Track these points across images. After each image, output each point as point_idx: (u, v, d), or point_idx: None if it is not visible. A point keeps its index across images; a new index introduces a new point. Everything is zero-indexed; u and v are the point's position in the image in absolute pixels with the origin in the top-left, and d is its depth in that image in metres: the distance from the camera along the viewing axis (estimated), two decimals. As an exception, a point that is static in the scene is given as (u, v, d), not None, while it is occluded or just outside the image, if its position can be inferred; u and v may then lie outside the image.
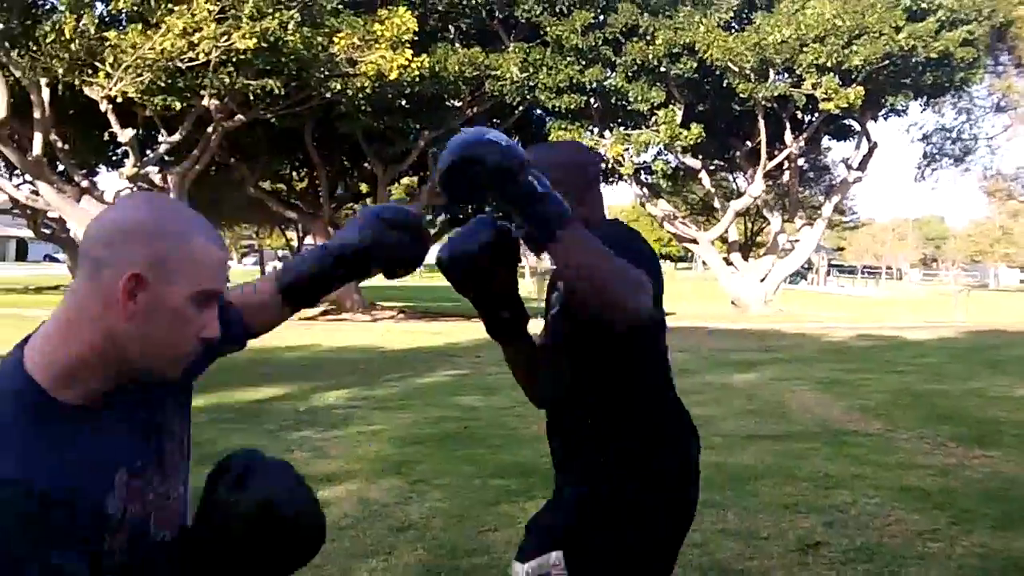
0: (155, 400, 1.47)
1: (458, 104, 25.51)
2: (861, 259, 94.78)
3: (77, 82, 18.13)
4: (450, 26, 25.18)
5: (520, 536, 4.83)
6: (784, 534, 4.92)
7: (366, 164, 28.73)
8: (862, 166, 28.93)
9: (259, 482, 1.42)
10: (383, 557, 4.67)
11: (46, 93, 19.55)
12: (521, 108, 25.72)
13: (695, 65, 23.78)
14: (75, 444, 1.32)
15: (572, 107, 24.29)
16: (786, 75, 24.38)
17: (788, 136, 26.93)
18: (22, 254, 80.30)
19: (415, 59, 20.56)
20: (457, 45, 24.19)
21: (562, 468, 2.36)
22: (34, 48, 17.77)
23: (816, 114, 25.69)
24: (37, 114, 19.64)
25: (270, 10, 18.04)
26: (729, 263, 29.71)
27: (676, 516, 2.19)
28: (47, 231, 38.60)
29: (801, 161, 29.74)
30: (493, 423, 8.31)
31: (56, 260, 52.78)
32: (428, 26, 24.30)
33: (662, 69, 24.22)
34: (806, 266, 65.71)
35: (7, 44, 18.38)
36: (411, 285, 59.83)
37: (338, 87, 20.07)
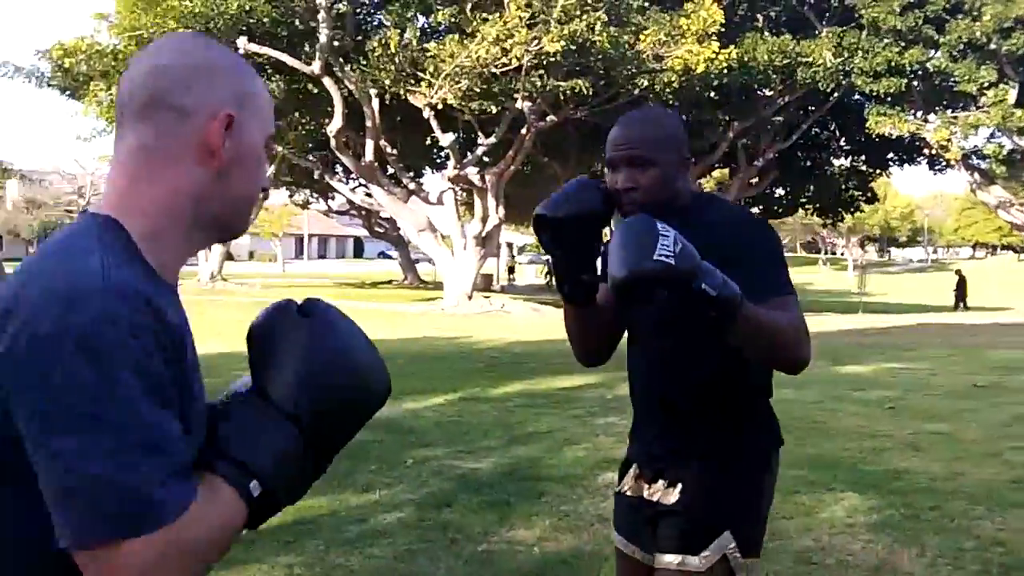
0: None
1: (768, 93, 25.08)
2: None
3: (402, 92, 19.62)
4: (759, 15, 24.79)
5: (814, 524, 4.87)
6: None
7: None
8: None
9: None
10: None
11: (375, 103, 21.26)
12: (836, 94, 24.87)
13: (1030, 39, 21.99)
14: (170, 303, 1.17)
15: (891, 91, 23.18)
16: None
17: None
18: (359, 251, 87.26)
19: (722, 51, 20.47)
20: (766, 34, 23.78)
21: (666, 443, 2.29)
22: (364, 62, 19.44)
23: None
24: (368, 123, 21.45)
25: (578, 12, 18.60)
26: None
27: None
28: (380, 230, 41.85)
29: None
30: (801, 416, 8.21)
31: (389, 257, 56.90)
32: (736, 16, 24.09)
33: (991, 46, 22.56)
34: None
35: (341, 60, 20.19)
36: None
37: (645, 83, 20.36)
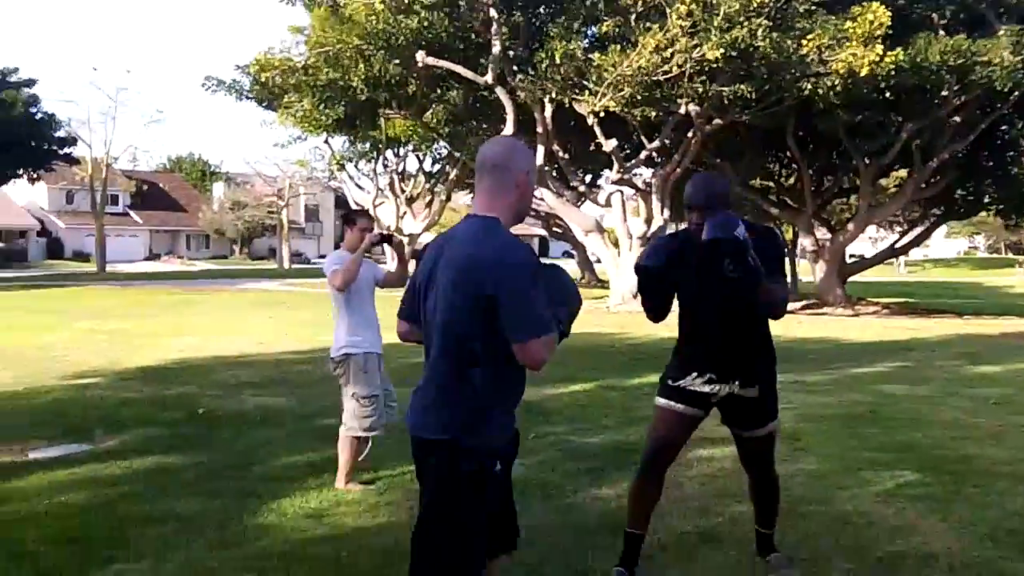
0: None
1: (944, 93, 24.67)
2: None
3: (567, 100, 20.62)
4: (932, 15, 24.43)
5: (862, 495, 5.61)
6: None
7: (852, 160, 28.63)
8: None
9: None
10: (736, 498, 5.60)
11: (548, 110, 22.37)
12: (1016, 93, 24.22)
13: None
14: None
15: (1078, 87, 22.44)
16: None
17: None
18: (544, 250, 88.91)
19: (889, 53, 20.43)
20: (941, 33, 23.44)
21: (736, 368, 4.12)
22: (532, 72, 20.56)
23: None
24: (539, 128, 22.57)
25: (741, 19, 19.05)
26: None
27: None
28: (558, 231, 43.00)
29: None
30: (903, 409, 8.77)
31: (571, 256, 58.16)
32: (911, 16, 23.87)
33: None
34: None
35: (515, 69, 21.41)
36: (912, 281, 57.46)
37: (809, 87, 20.56)
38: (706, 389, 4.10)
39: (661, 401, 4.23)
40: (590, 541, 4.83)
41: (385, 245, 6.29)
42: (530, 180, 2.98)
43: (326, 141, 38.18)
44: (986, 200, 30.50)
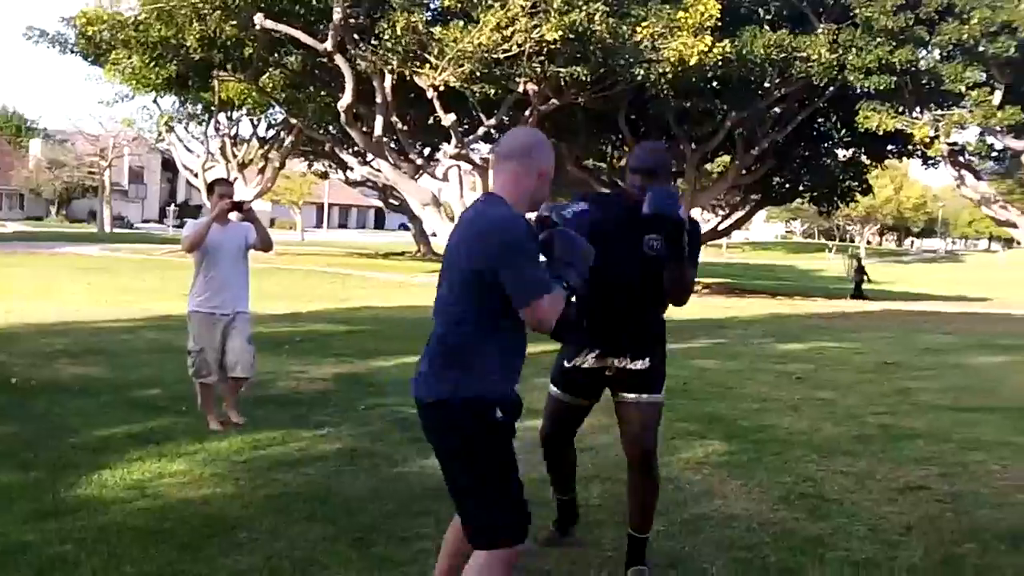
0: None
1: (766, 85, 25.91)
2: None
3: (407, 72, 20.63)
4: (759, 10, 25.59)
5: (672, 462, 5.95)
6: (896, 479, 5.71)
7: (680, 144, 29.71)
8: None
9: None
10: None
11: (388, 81, 22.29)
12: (831, 89, 25.69)
13: (1014, 44, 22.77)
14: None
15: (882, 87, 23.99)
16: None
17: None
18: (380, 222, 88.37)
19: (717, 44, 21.28)
20: (765, 28, 24.57)
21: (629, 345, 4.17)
22: (374, 42, 20.46)
23: None
24: (379, 99, 22.49)
25: (579, 3, 19.48)
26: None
27: None
28: (395, 203, 42.88)
29: None
30: (713, 382, 9.35)
31: (407, 228, 58.01)
32: (740, 10, 24.91)
33: (979, 48, 23.38)
34: None
35: (355, 38, 21.23)
36: (733, 262, 60.07)
37: (641, 73, 21.22)
38: (597, 365, 4.13)
39: (553, 391, 4.34)
40: (415, 507, 4.99)
41: (235, 212, 6.70)
42: (548, 176, 3.20)
43: (155, 100, 36.87)
44: (801, 188, 32.24)
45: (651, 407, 4.17)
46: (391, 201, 43.07)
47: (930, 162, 28.17)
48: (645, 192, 3.81)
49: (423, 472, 5.77)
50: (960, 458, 6.24)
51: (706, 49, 20.88)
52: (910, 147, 28.23)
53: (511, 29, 19.23)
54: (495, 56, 19.75)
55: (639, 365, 4.12)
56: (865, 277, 32.72)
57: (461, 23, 19.63)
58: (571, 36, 19.62)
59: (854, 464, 6.10)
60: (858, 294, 31.00)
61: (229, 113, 36.72)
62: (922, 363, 11.14)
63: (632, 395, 4.15)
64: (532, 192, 3.17)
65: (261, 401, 7.65)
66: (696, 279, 4.24)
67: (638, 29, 20.93)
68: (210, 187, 6.93)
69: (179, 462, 5.80)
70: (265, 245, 6.91)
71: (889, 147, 30.01)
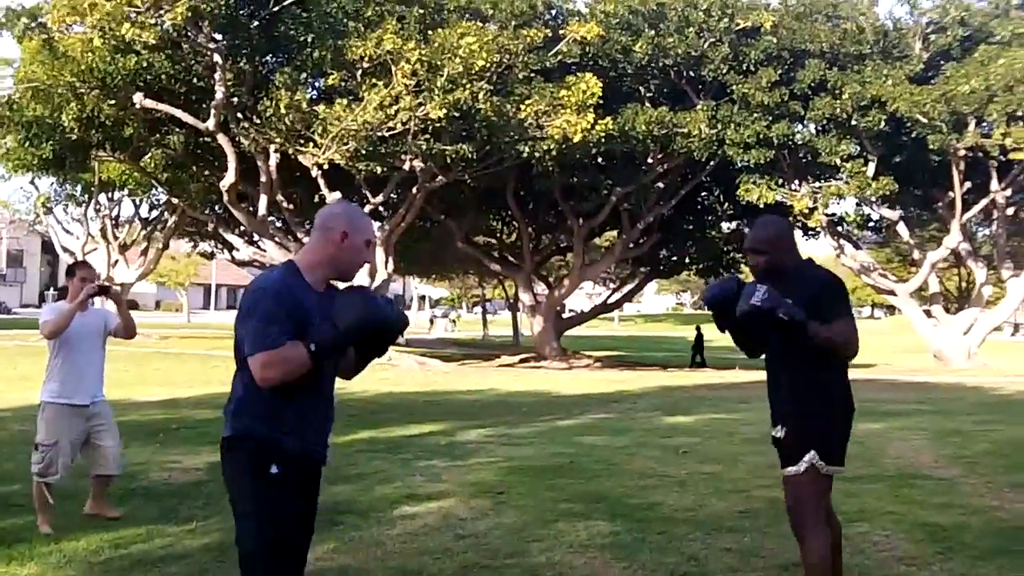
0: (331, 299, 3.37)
1: (649, 161, 26.49)
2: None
3: (291, 151, 20.44)
4: (640, 88, 26.25)
5: (555, 545, 5.76)
6: (780, 554, 5.62)
7: (568, 220, 30.07)
8: (1076, 215, 27.71)
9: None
10: (437, 556, 5.71)
11: (272, 160, 22.03)
12: (712, 163, 26.38)
13: (884, 118, 23.78)
14: (307, 293, 3.29)
15: (760, 161, 24.73)
16: (981, 125, 23.96)
17: (994, 185, 26.25)
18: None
19: (600, 121, 21.70)
20: (647, 105, 25.19)
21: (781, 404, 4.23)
22: (257, 120, 20.25)
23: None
24: (263, 178, 22.20)
25: (464, 82, 19.66)
26: (930, 315, 29.03)
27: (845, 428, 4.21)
28: (284, 283, 42.09)
29: (1011, 210, 28.66)
30: (600, 459, 9.22)
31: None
32: (622, 88, 25.49)
33: (852, 122, 24.35)
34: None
35: (239, 116, 20.98)
36: (625, 334, 60.75)
37: (526, 150, 21.46)
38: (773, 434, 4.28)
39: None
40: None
41: (101, 296, 6.46)
42: (350, 240, 3.35)
43: (32, 181, 35.80)
44: (687, 260, 32.89)
45: (787, 482, 4.14)
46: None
47: (810, 233, 29.05)
48: (760, 271, 4.15)
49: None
50: (845, 530, 6.15)
51: (589, 126, 21.26)
52: (791, 219, 29.04)
53: (395, 107, 19.26)
54: (380, 134, 19.73)
55: (778, 433, 4.19)
56: (702, 347, 32.89)
57: (345, 101, 19.56)
58: (456, 114, 19.74)
59: (739, 540, 6.00)
60: (700, 363, 31.23)
61: (110, 194, 35.83)
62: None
63: (783, 470, 4.19)
64: (336, 256, 3.36)
65: (129, 494, 7.24)
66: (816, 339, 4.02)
67: (522, 107, 21.19)
68: (70, 270, 6.55)
69: (30, 565, 5.41)
70: (128, 332, 6.60)
71: (770, 219, 30.85)
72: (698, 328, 34.82)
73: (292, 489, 3.32)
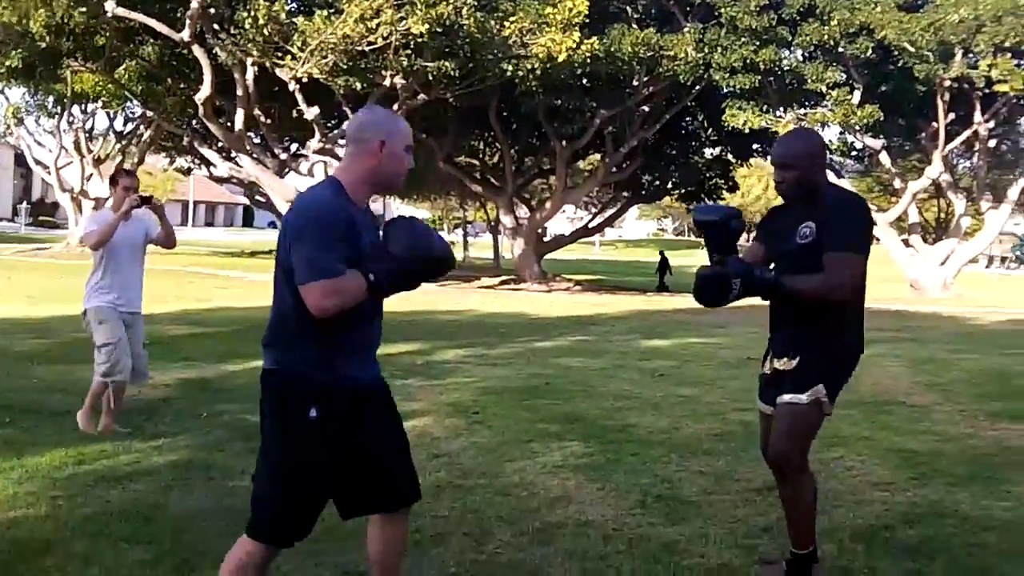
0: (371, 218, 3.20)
1: (635, 83, 26.11)
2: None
3: (269, 64, 19.98)
4: (627, 8, 25.76)
5: (529, 467, 5.69)
6: (755, 478, 5.57)
7: (551, 142, 29.71)
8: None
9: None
10: (408, 474, 5.63)
11: (250, 73, 21.54)
12: (697, 88, 26.04)
13: (872, 46, 23.49)
14: (356, 214, 3.05)
15: (747, 87, 24.44)
16: (967, 56, 23.72)
17: (977, 116, 26.11)
18: (248, 220, 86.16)
19: (585, 41, 21.30)
20: (634, 26, 24.74)
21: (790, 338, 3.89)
22: (234, 31, 19.73)
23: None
24: (240, 92, 21.73)
25: (447, -5, 19.15)
26: (908, 245, 29.06)
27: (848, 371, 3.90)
28: (262, 199, 41.75)
29: (993, 143, 28.54)
30: (577, 381, 9.17)
31: (276, 226, 56.60)
32: (609, 8, 25.02)
33: (840, 49, 24.03)
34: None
35: (215, 27, 20.44)
36: (606, 259, 60.76)
37: (510, 69, 21.06)
38: (766, 369, 4.04)
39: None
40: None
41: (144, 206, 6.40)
42: (389, 148, 3.06)
43: (1, 91, 35.01)
44: (670, 186, 32.68)
45: (785, 408, 3.78)
46: (257, 198, 41.90)
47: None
48: (788, 189, 3.75)
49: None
50: (819, 455, 6.10)
51: (574, 46, 20.87)
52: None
53: (376, 21, 18.79)
54: (360, 48, 19.30)
55: (782, 365, 3.87)
56: (668, 271, 33.09)
57: (325, 13, 19.08)
58: (438, 30, 19.31)
59: (713, 463, 5.95)
60: (662, 287, 31.34)
61: (83, 106, 35.13)
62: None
63: (779, 397, 3.83)
64: (376, 169, 3.08)
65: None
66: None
67: (506, 24, 20.76)
68: (112, 178, 6.56)
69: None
70: (169, 241, 6.71)
71: (755, 145, 30.70)
72: (662, 252, 34.91)
73: (334, 427, 3.07)
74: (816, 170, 3.76)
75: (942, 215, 37.72)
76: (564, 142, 28.29)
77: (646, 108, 27.59)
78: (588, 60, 21.86)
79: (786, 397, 3.75)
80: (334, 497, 3.22)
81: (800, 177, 3.71)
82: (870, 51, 23.71)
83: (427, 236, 3.10)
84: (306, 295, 2.94)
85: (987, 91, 24.42)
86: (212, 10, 20.78)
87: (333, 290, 2.92)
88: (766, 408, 3.96)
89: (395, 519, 3.32)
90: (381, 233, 3.13)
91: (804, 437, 3.82)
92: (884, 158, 28.87)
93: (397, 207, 73.31)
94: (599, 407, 7.81)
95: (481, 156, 35.41)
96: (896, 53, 23.72)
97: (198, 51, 20.92)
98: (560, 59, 20.79)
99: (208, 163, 35.46)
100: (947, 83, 24.14)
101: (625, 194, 34.79)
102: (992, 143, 28.20)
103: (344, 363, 3.09)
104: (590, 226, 37.14)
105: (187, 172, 44.07)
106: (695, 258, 59.82)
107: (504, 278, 30.55)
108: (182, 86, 25.23)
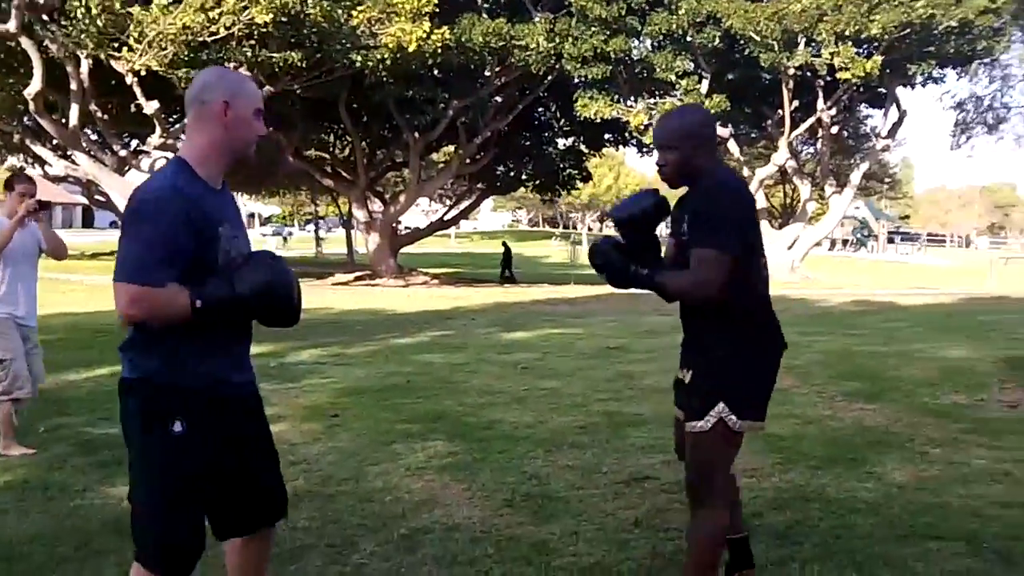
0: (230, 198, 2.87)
1: (487, 74, 26.02)
2: (926, 226, 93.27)
3: (104, 56, 19.01)
4: (478, -2, 25.65)
5: (392, 469, 5.45)
6: (622, 470, 5.49)
7: (404, 134, 29.33)
8: (891, 134, 28.96)
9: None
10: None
11: (84, 66, 20.46)
12: (549, 78, 26.13)
13: (719, 35, 24.03)
14: (205, 196, 2.68)
15: (598, 76, 24.66)
16: (811, 45, 24.54)
17: (820, 104, 27.07)
18: (88, 221, 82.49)
19: (436, 31, 21.06)
20: (484, 16, 24.63)
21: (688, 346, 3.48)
22: (65, 23, 18.68)
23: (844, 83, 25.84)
24: (74, 86, 20.63)
25: (292, -16, 18.62)
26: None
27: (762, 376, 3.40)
28: (101, 199, 39.94)
29: (835, 129, 29.69)
30: (438, 378, 8.96)
31: (117, 226, 54.41)
32: (459, -3, 24.81)
33: (688, 39, 24.50)
34: (866, 234, 65.09)
35: (44, 18, 19.32)
36: (462, 252, 60.68)
37: (359, 59, 20.65)
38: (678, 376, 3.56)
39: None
40: (94, 545, 4.30)
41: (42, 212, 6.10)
42: (235, 111, 2.70)
43: None
44: (524, 177, 32.79)
45: (689, 438, 3.34)
46: (97, 197, 40.01)
47: (645, 150, 29.35)
48: (669, 173, 3.32)
49: (106, 503, 5.01)
50: (680, 442, 6.12)
51: (424, 35, 20.62)
52: (626, 135, 29.27)
53: (218, 10, 18.11)
54: (201, 39, 18.54)
55: (684, 376, 3.45)
56: (510, 263, 33.53)
57: (163, 2, 18.24)
58: (283, 19, 18.76)
59: (580, 456, 5.85)
60: (509, 278, 31.70)
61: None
62: (643, 346, 11.25)
63: (686, 421, 3.38)
64: (223, 137, 2.72)
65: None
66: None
67: (354, 13, 20.35)
68: (8, 183, 6.07)
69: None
70: (59, 252, 6.31)
71: (606, 135, 31.06)
72: (504, 244, 35.14)
73: (203, 440, 2.73)
74: (698, 153, 3.29)
75: (788, 200, 39.04)
76: (417, 134, 27.99)
77: (499, 99, 27.56)
78: (439, 50, 21.63)
79: (688, 425, 3.33)
80: (208, 515, 2.86)
81: (679, 160, 3.30)
82: (717, 40, 24.27)
83: (286, 288, 2.76)
84: (115, 295, 2.59)
85: (829, 79, 25.32)
86: (41, 0, 19.63)
87: (142, 298, 2.58)
88: (679, 412, 3.56)
89: (262, 534, 3.02)
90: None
91: (709, 466, 3.32)
92: (732, 146, 29.64)
93: (245, 203, 71.40)
94: (462, 404, 7.63)
95: (331, 149, 34.76)
96: (742, 42, 24.36)
97: (27, 43, 19.72)
98: (410, 49, 20.51)
99: (42, 162, 33.65)
100: (791, 71, 24.91)
101: (480, 186, 34.73)
102: (835, 130, 29.29)
103: (210, 364, 2.75)
104: (445, 219, 36.93)
105: (20, 171, 41.75)
106: (548, 249, 60.50)
107: (359, 274, 30.06)
108: (10, 80, 23.77)
